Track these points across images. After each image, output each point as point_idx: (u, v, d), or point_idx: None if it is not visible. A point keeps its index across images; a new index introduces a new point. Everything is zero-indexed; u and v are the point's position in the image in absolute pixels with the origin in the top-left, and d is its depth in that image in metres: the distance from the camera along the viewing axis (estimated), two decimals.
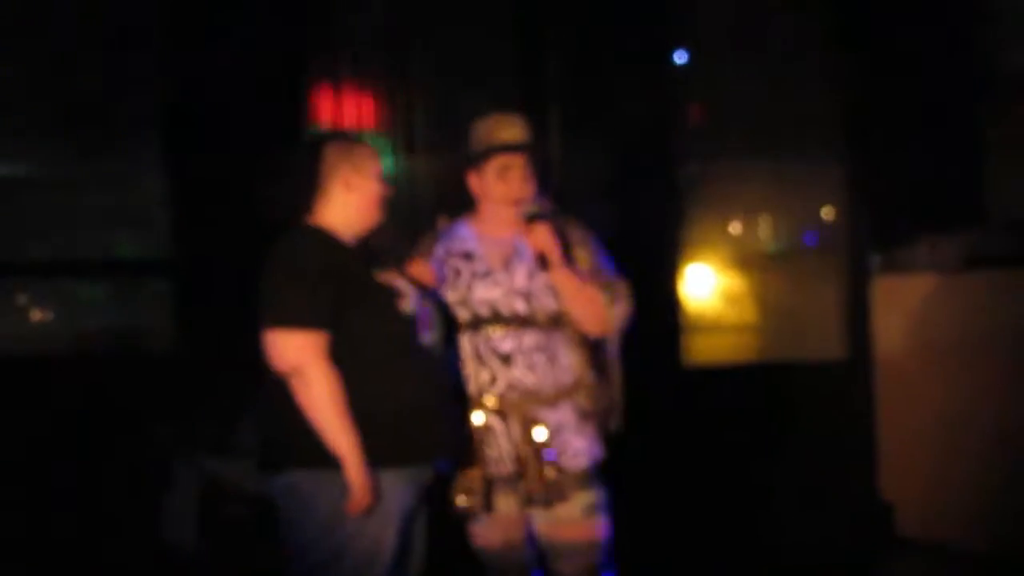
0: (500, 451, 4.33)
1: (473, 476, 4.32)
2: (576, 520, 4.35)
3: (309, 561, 3.80)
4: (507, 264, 4.39)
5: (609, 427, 4.48)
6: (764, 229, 8.25)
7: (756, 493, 6.98)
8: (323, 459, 3.71)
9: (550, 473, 4.30)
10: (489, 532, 4.41)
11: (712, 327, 8.26)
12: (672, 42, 7.68)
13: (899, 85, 7.44)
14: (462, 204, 4.57)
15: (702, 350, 7.95)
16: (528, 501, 4.32)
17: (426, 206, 6.90)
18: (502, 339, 4.32)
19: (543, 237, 4.29)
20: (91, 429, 6.43)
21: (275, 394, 3.82)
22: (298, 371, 3.71)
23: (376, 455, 3.74)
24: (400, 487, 3.83)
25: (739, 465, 7.03)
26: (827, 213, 8.11)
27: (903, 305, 6.98)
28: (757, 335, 8.31)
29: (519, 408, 4.31)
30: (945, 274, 6.80)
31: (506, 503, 4.36)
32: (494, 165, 4.38)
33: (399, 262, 4.34)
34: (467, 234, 4.47)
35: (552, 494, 4.31)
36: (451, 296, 4.38)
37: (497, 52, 7.49)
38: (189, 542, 6.19)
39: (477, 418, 4.33)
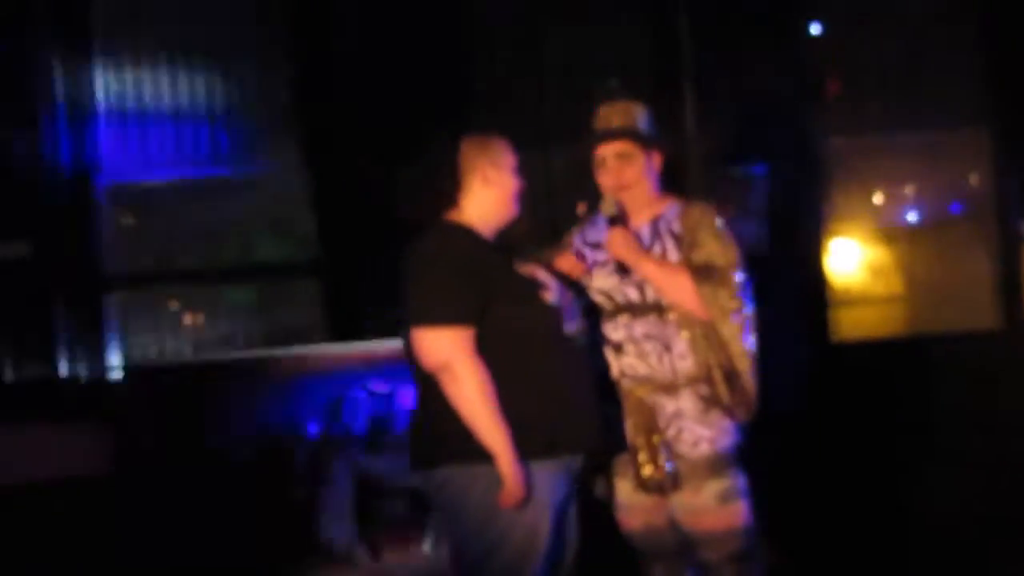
0: (619, 437, 4.34)
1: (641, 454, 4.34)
2: (710, 509, 4.33)
3: (468, 554, 3.86)
4: None
5: (736, 418, 4.40)
6: (909, 200, 8.14)
7: (910, 470, 6.90)
8: (475, 454, 3.76)
9: (662, 460, 4.31)
10: (628, 517, 4.44)
11: (860, 300, 8.18)
12: (807, 13, 7.62)
13: None
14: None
15: (850, 324, 7.88)
16: (643, 487, 4.33)
17: (564, 197, 6.94)
18: (614, 328, 4.35)
19: (618, 242, 4.31)
20: (250, 432, 6.55)
21: (426, 390, 3.88)
22: (447, 368, 3.76)
23: (527, 447, 3.78)
24: (552, 478, 3.86)
25: (891, 442, 6.96)
26: (974, 180, 7.98)
27: None
28: (906, 307, 8.21)
29: (631, 396, 4.34)
30: None
31: (625, 487, 4.38)
32: (596, 156, 4.42)
33: (539, 254, 4.37)
34: (602, 224, 4.48)
35: (666, 482, 4.31)
36: (585, 283, 4.43)
37: (630, 30, 7.49)
38: (347, 538, 6.29)
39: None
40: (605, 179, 4.41)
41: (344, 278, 6.80)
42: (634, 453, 4.33)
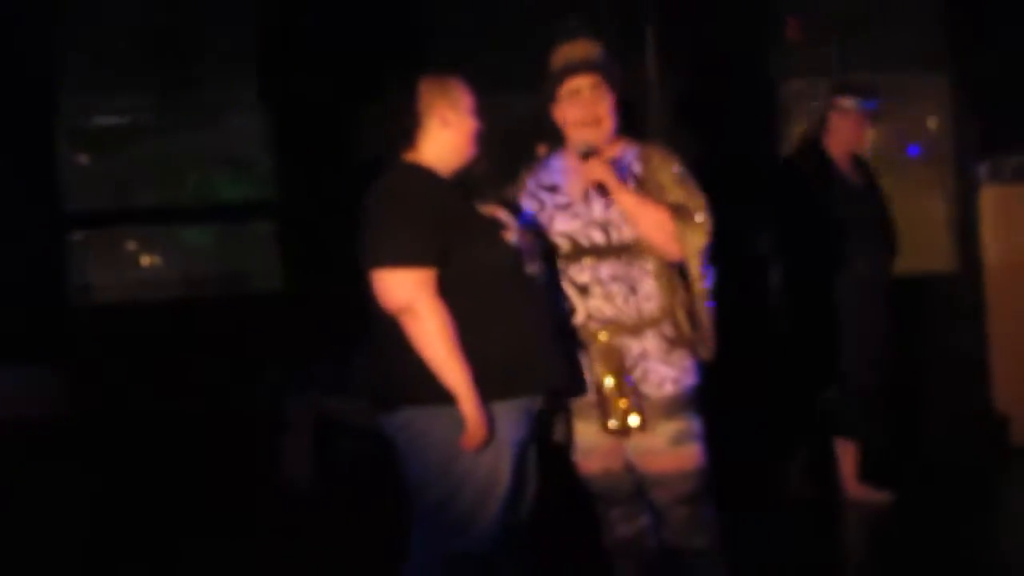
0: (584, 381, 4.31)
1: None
2: (663, 450, 4.31)
3: (428, 496, 3.85)
4: (586, 195, 4.34)
5: (699, 355, 4.40)
6: (868, 142, 8.16)
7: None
8: (436, 395, 3.75)
9: (633, 402, 4.29)
10: (587, 461, 4.40)
11: None
12: None
13: None
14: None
15: None
16: (606, 429, 4.30)
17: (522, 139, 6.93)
18: (579, 270, 4.31)
19: (597, 168, 4.25)
20: (205, 371, 6.54)
21: (385, 332, 3.85)
22: (408, 308, 3.74)
23: (489, 388, 3.77)
24: (513, 419, 3.86)
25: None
26: (932, 124, 8.01)
27: (1013, 214, 6.90)
28: None
29: (597, 338, 4.30)
30: None
31: (588, 431, 4.34)
32: (564, 90, 4.33)
33: (498, 194, 4.36)
34: (557, 166, 4.44)
35: (625, 423, 4.28)
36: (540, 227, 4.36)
37: None
38: (306, 478, 6.31)
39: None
40: (576, 112, 4.32)
41: (302, 219, 6.78)
42: (607, 396, 4.30)
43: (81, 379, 6.49)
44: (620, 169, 4.37)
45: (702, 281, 4.37)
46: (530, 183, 4.46)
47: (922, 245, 7.61)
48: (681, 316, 4.35)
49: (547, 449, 4.23)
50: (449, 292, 3.79)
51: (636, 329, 4.32)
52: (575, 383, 4.24)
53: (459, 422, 3.74)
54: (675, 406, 4.33)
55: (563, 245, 4.33)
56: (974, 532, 5.79)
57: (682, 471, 4.32)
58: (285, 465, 6.38)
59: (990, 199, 7.05)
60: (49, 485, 6.08)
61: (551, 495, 4.25)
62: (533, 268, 4.00)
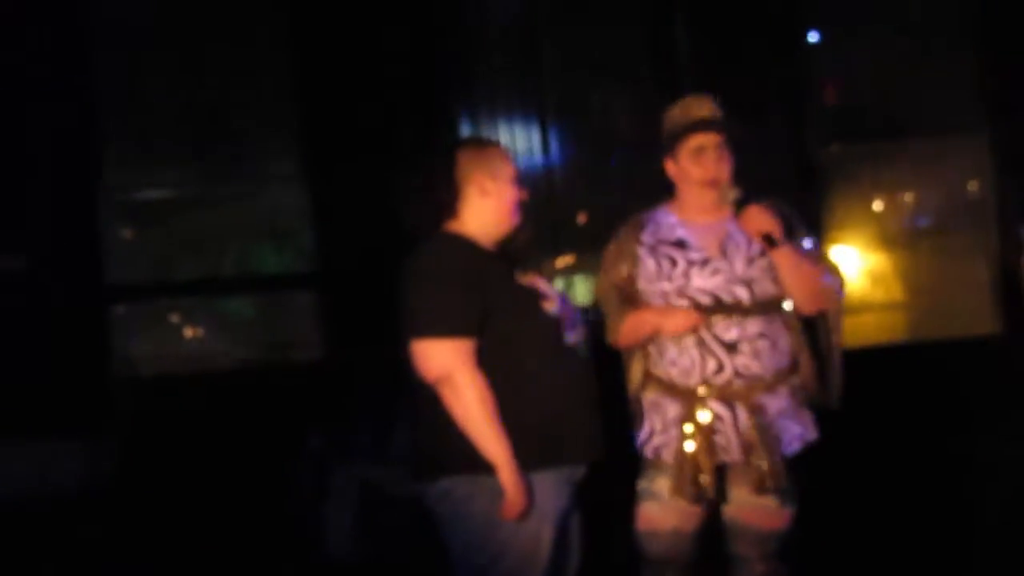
0: (728, 439, 4.26)
1: (703, 462, 4.24)
2: (775, 509, 4.31)
3: (468, 566, 3.82)
4: (724, 251, 4.31)
5: (830, 405, 4.41)
6: (909, 207, 8.14)
7: (917, 478, 6.89)
8: (476, 465, 3.72)
9: (779, 462, 4.25)
10: (665, 513, 4.34)
11: (861, 307, 8.18)
12: (804, 21, 7.61)
13: None
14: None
15: (851, 331, 7.85)
16: (761, 489, 4.25)
17: (565, 204, 6.94)
18: (727, 328, 4.24)
19: (762, 217, 4.22)
20: (247, 442, 6.54)
21: (425, 402, 3.83)
22: (447, 379, 3.72)
23: (528, 457, 3.74)
24: (554, 488, 3.82)
25: (897, 450, 6.94)
26: (973, 187, 7.98)
27: None
28: (907, 314, 8.21)
29: (744, 395, 4.26)
30: None
31: (735, 489, 4.31)
32: (689, 146, 4.30)
33: (539, 264, 4.35)
34: (673, 222, 4.39)
35: (780, 481, 4.26)
36: (666, 286, 4.31)
37: (627, 33, 7.50)
38: (349, 548, 6.28)
39: (702, 412, 4.26)
40: (699, 169, 4.31)
41: (343, 290, 6.80)
42: (752, 453, 4.24)
43: (123, 451, 6.49)
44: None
45: (837, 333, 4.37)
46: (646, 239, 4.40)
47: (966, 309, 7.57)
48: (810, 367, 4.37)
49: (593, 518, 4.19)
50: (488, 362, 3.77)
51: (773, 386, 4.30)
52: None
53: (499, 492, 3.71)
54: (795, 464, 4.33)
55: (703, 301, 4.28)
56: None
57: (779, 530, 4.36)
58: (328, 535, 6.35)
59: None
60: (91, 558, 6.08)
61: (597, 565, 4.22)
62: (575, 336, 3.97)
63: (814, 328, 4.41)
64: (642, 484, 4.41)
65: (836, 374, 4.42)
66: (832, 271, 4.39)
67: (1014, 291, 7.25)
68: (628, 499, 4.49)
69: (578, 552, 4.05)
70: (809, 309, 4.35)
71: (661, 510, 4.35)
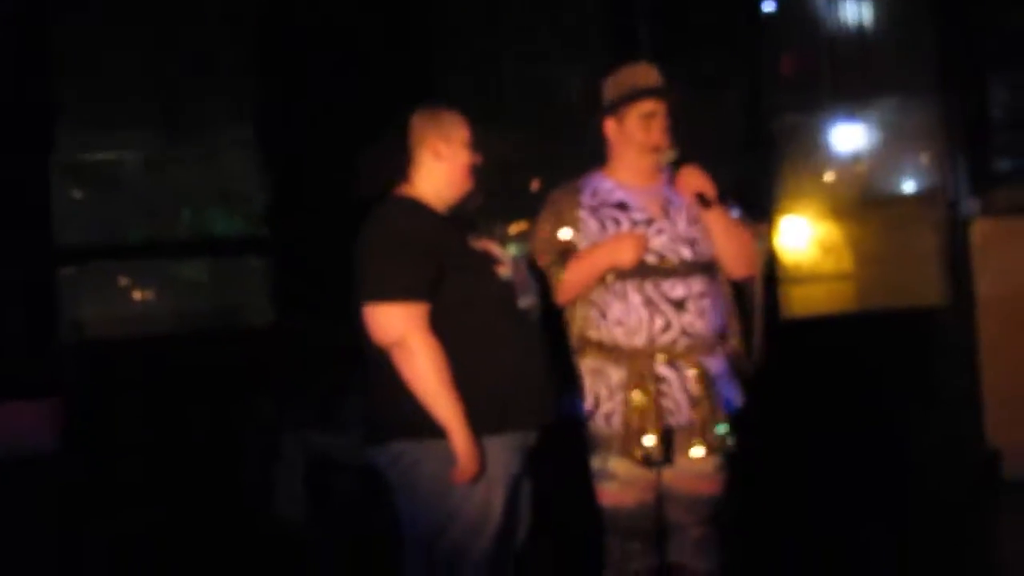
0: (675, 401, 4.29)
1: (650, 424, 4.26)
2: (711, 474, 4.37)
3: (419, 530, 3.85)
4: (666, 212, 4.36)
5: (749, 372, 4.46)
6: (860, 177, 8.19)
7: (859, 443, 6.95)
8: (428, 429, 3.74)
9: (723, 426, 4.30)
10: (625, 491, 4.37)
11: (810, 278, 8.23)
12: None
13: (996, 19, 7.32)
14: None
15: (800, 301, 7.92)
16: (709, 451, 4.29)
17: (518, 170, 6.94)
18: (672, 286, 4.28)
19: (698, 177, 4.28)
20: (197, 406, 6.52)
21: (377, 367, 3.85)
22: (400, 343, 3.73)
23: (481, 422, 3.77)
24: (505, 453, 3.85)
25: (842, 416, 7.00)
26: (924, 158, 8.03)
27: (1004, 248, 6.91)
28: (855, 284, 8.26)
29: (689, 356, 4.29)
30: None
31: (682, 454, 4.33)
32: (638, 111, 4.35)
33: (493, 230, 4.35)
34: (610, 186, 4.43)
35: (725, 440, 4.31)
36: None
37: (585, 6, 7.50)
38: (298, 514, 6.28)
39: (649, 374, 4.28)
40: (646, 135, 4.35)
41: (295, 255, 6.77)
42: (701, 415, 4.28)
43: (72, 415, 6.46)
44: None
45: (760, 300, 4.43)
46: (586, 201, 4.42)
47: (913, 280, 7.63)
48: (739, 333, 4.43)
49: (543, 483, 4.20)
50: (441, 326, 3.78)
51: (711, 347, 4.35)
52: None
53: (451, 456, 3.74)
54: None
55: (649, 261, 4.30)
56: (964, 565, 5.78)
57: (714, 495, 4.40)
58: (277, 500, 6.34)
59: (981, 233, 7.05)
60: (37, 522, 6.05)
61: (548, 529, 4.25)
62: (527, 302, 3.99)
63: (740, 294, 4.48)
64: (596, 463, 4.43)
65: (759, 341, 4.47)
66: (759, 238, 4.44)
67: (960, 263, 7.29)
68: (581, 466, 4.50)
69: (527, 517, 4.08)
70: (738, 272, 4.42)
71: (621, 488, 4.38)
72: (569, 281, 4.37)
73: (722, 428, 4.31)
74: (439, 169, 4.00)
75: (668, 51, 7.01)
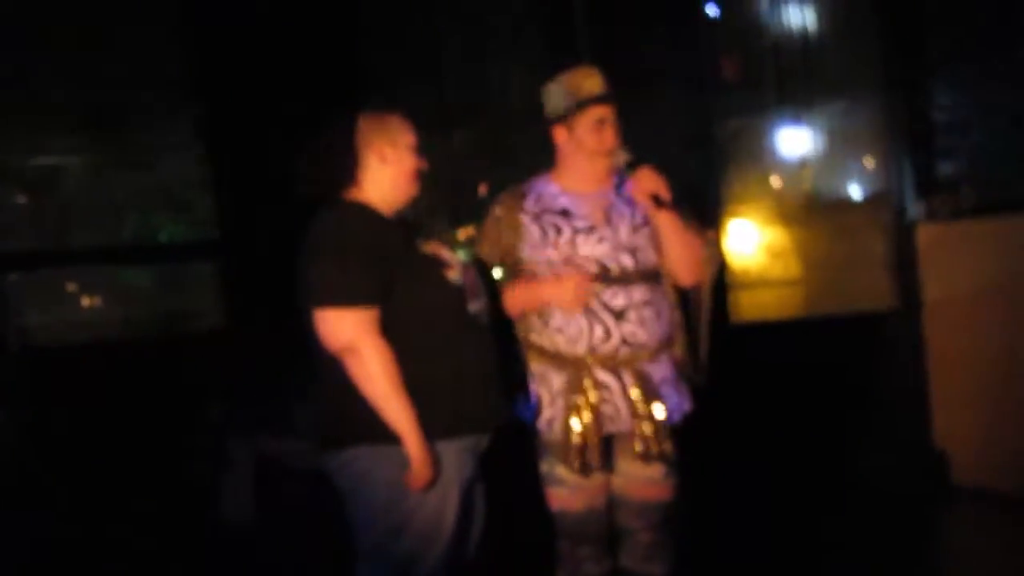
0: (616, 408, 4.30)
1: (590, 433, 4.28)
2: (659, 480, 4.38)
3: (371, 536, 3.84)
4: (608, 219, 4.36)
5: (696, 380, 4.48)
6: (806, 182, 8.22)
7: (808, 448, 6.98)
8: (381, 434, 3.74)
9: (664, 432, 4.30)
10: (574, 496, 4.39)
11: (757, 283, 8.25)
12: None
13: (939, 21, 7.37)
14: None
15: (748, 306, 7.94)
16: (646, 458, 4.30)
17: (466, 174, 6.93)
18: (613, 295, 4.29)
19: (652, 179, 4.27)
20: (145, 412, 6.48)
21: (328, 373, 3.84)
22: (351, 348, 3.73)
23: (433, 427, 3.77)
24: (458, 457, 3.86)
25: (790, 421, 7.02)
26: (869, 161, 8.07)
27: (949, 252, 6.96)
28: (803, 289, 8.29)
29: (630, 363, 4.30)
30: (990, 218, 6.78)
31: (622, 460, 4.36)
32: (589, 117, 4.35)
33: (441, 234, 4.35)
34: (555, 191, 4.43)
35: (666, 448, 4.31)
36: (552, 254, 4.34)
37: (524, 7, 7.50)
38: (247, 520, 6.25)
39: (588, 382, 4.30)
40: (598, 140, 4.35)
41: (243, 260, 6.73)
42: (640, 422, 4.29)
43: (19, 423, 6.40)
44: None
45: (707, 308, 4.45)
46: (529, 207, 4.43)
47: (861, 284, 7.67)
48: (684, 339, 4.44)
49: (496, 486, 4.20)
50: (391, 331, 3.79)
51: (656, 354, 4.35)
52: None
53: (403, 461, 3.74)
54: (677, 435, 4.38)
55: (589, 269, 4.31)
56: (911, 569, 5.81)
57: (663, 501, 4.41)
58: (225, 506, 6.31)
59: (926, 237, 7.10)
60: None
61: (501, 533, 4.24)
62: (476, 306, 3.99)
63: (686, 302, 4.49)
64: (544, 467, 4.44)
65: (705, 349, 4.49)
66: (708, 244, 4.46)
67: (907, 266, 7.34)
68: (532, 469, 4.51)
69: (481, 522, 4.09)
70: (686, 280, 4.43)
71: (570, 493, 4.39)
72: (512, 303, 4.41)
73: (658, 409, 4.31)
74: (385, 173, 4.00)
75: (607, 49, 7.01)
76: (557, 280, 4.30)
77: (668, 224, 4.33)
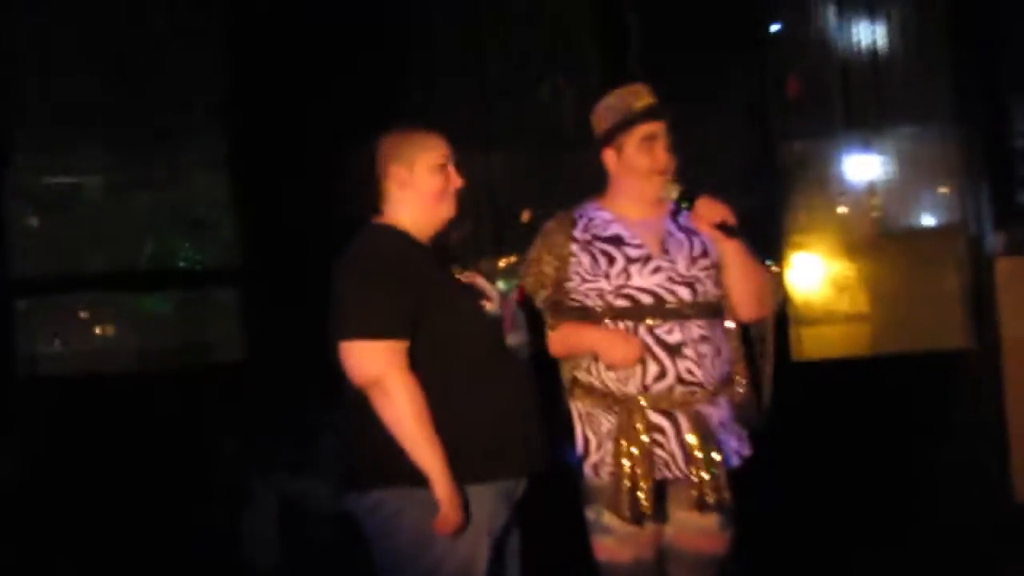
0: (670, 452, 4.21)
1: (641, 479, 4.19)
2: (714, 531, 4.30)
3: None
4: (665, 248, 4.29)
5: (756, 424, 4.40)
6: (874, 210, 8.16)
7: (875, 497, 6.91)
8: (408, 476, 3.70)
9: (723, 478, 4.21)
10: (622, 547, 4.30)
11: (821, 318, 8.20)
12: (767, 12, 7.63)
13: (1017, 42, 7.33)
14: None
15: (811, 343, 7.89)
16: (702, 507, 4.21)
17: (508, 199, 6.93)
18: (669, 330, 4.21)
19: (716, 206, 4.19)
20: (160, 448, 6.49)
21: (355, 409, 3.80)
22: (377, 383, 3.69)
23: (464, 469, 3.72)
24: (491, 503, 3.81)
25: (855, 468, 6.95)
26: (943, 189, 8.02)
27: None
28: (871, 325, 8.24)
29: (686, 405, 4.22)
30: None
31: (676, 509, 4.29)
32: (637, 135, 4.28)
33: (480, 263, 4.31)
34: (607, 218, 4.36)
35: (723, 497, 4.22)
36: (604, 284, 4.26)
37: (575, 22, 7.50)
38: (269, 563, 6.25)
39: (640, 425, 4.21)
40: (650, 159, 4.28)
41: (268, 287, 6.74)
42: (698, 469, 4.19)
43: (28, 456, 6.43)
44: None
45: (771, 345, 4.39)
46: (579, 235, 4.36)
47: (934, 320, 7.60)
48: (745, 380, 4.36)
49: (538, 535, 4.16)
50: (421, 365, 3.74)
51: (713, 395, 4.27)
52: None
53: (432, 506, 3.69)
54: (734, 481, 4.28)
55: (643, 301, 4.25)
56: None
57: (718, 554, 4.34)
58: (247, 550, 6.31)
59: (1006, 271, 7.03)
60: None
61: None
62: (516, 339, 3.94)
63: (747, 339, 4.42)
64: (590, 515, 4.37)
65: (768, 389, 4.41)
66: (772, 276, 4.41)
67: (985, 302, 7.27)
68: (573, 514, 4.44)
69: (517, 571, 4.04)
70: (751, 314, 4.36)
71: (617, 543, 4.32)
72: (556, 344, 4.35)
73: (715, 455, 4.23)
74: (406, 197, 3.95)
75: (663, 69, 6.98)
76: (607, 332, 4.24)
77: (735, 254, 4.26)
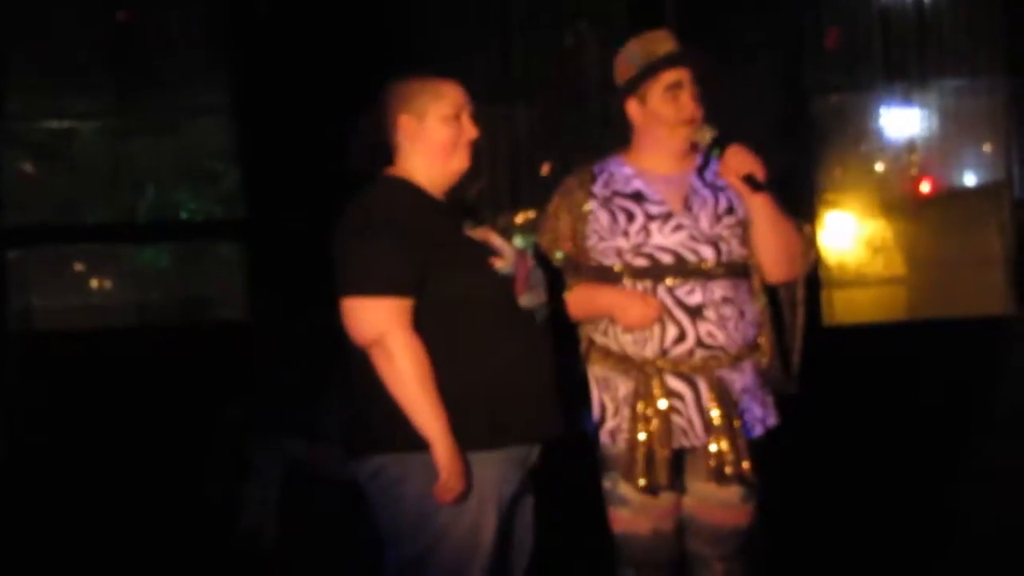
0: (689, 420, 4.20)
1: (658, 447, 4.17)
2: (736, 503, 4.27)
3: (403, 552, 3.78)
4: (688, 205, 4.25)
5: (784, 390, 4.38)
6: (913, 168, 8.12)
7: (907, 469, 6.87)
8: (412, 441, 3.66)
9: (744, 447, 4.19)
10: (639, 518, 4.29)
11: (855, 281, 8.18)
12: None
13: None
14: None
15: (844, 307, 7.86)
16: (721, 478, 4.19)
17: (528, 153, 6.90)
18: (690, 291, 4.18)
19: (745, 157, 4.12)
20: (158, 409, 6.49)
21: (359, 369, 3.78)
22: (379, 342, 3.66)
23: (470, 435, 3.69)
24: (499, 471, 3.77)
25: (888, 438, 6.93)
26: (987, 148, 7.97)
27: None
28: (908, 289, 8.21)
29: (707, 370, 4.20)
30: None
31: (695, 480, 4.26)
32: (661, 83, 4.22)
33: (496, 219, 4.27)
34: (628, 173, 4.32)
35: (744, 468, 4.20)
36: (622, 243, 4.23)
37: None
38: (270, 531, 6.24)
39: (658, 390, 4.19)
40: (672, 108, 4.22)
41: (273, 241, 6.73)
42: (718, 437, 4.18)
43: (20, 413, 6.45)
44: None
45: (802, 307, 4.36)
46: (598, 191, 4.33)
47: (974, 285, 7.57)
48: (775, 345, 4.33)
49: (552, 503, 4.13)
50: (427, 325, 3.71)
51: (737, 359, 4.25)
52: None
53: (436, 472, 3.66)
54: (757, 452, 4.27)
55: (663, 260, 4.21)
56: None
57: (740, 527, 4.32)
58: (247, 516, 6.31)
59: None
60: None
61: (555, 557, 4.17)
62: (530, 300, 3.89)
63: (776, 301, 4.38)
64: (606, 484, 4.36)
65: (798, 354, 4.38)
66: (804, 235, 4.36)
67: None
68: (590, 483, 4.44)
69: (530, 544, 4.01)
70: (780, 275, 4.32)
71: (634, 515, 4.31)
72: (572, 306, 4.32)
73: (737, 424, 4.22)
74: (416, 149, 3.90)
75: (694, 16, 6.93)
76: (623, 293, 4.21)
77: (764, 209, 4.20)
